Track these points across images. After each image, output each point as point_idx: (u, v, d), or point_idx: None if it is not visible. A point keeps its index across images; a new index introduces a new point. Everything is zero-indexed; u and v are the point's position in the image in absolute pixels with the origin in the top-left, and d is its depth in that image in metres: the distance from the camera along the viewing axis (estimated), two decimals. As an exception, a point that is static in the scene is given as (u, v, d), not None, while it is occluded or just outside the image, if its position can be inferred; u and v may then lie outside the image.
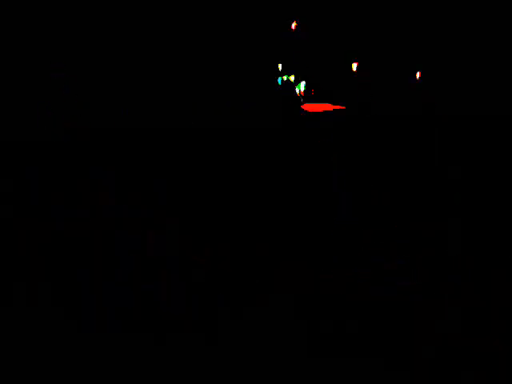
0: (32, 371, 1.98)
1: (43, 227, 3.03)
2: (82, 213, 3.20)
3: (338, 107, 4.17)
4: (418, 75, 3.90)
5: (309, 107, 4.16)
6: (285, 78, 3.99)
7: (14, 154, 3.49)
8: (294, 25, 3.78)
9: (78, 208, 3.26)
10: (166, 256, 2.87)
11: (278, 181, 3.69)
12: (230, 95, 3.96)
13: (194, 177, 3.66)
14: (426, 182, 4.08)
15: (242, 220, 3.32)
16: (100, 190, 3.39)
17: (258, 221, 3.34)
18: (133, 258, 2.87)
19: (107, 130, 3.71)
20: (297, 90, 4.09)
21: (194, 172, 3.69)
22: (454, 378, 1.99)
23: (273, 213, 3.44)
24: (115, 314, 2.40)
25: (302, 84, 4.10)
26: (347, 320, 2.36)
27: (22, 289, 2.59)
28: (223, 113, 3.93)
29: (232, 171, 3.69)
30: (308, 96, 4.14)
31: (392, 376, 1.99)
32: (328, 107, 4.17)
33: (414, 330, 2.30)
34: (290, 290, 2.58)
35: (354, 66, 4.10)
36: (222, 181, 3.63)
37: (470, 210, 3.75)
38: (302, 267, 2.83)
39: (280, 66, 3.93)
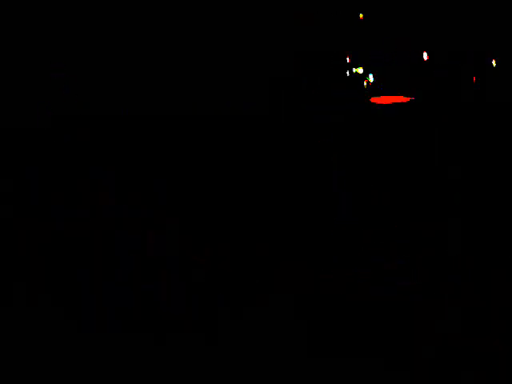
0: (32, 371, 1.98)
1: (43, 227, 3.03)
2: (81, 213, 3.20)
3: (409, 99, 4.06)
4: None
5: (378, 100, 4.05)
6: (355, 70, 3.92)
7: (14, 153, 3.48)
8: (361, 16, 3.71)
9: (78, 208, 3.26)
10: (166, 256, 2.87)
11: (279, 180, 3.69)
12: (232, 92, 3.95)
13: (195, 177, 3.66)
14: (426, 181, 4.07)
15: (242, 220, 3.32)
16: (100, 189, 3.39)
17: (258, 221, 3.34)
18: (133, 258, 2.87)
19: (106, 128, 3.71)
20: (365, 83, 4.01)
21: (195, 172, 3.69)
22: (454, 378, 1.99)
23: (273, 213, 3.44)
24: (115, 314, 2.40)
25: (371, 76, 4.02)
26: (347, 320, 2.36)
27: (22, 289, 2.59)
28: (223, 111, 3.93)
29: (232, 171, 3.69)
30: (377, 89, 4.04)
31: (392, 376, 1.99)
32: (398, 99, 4.06)
33: (414, 329, 2.30)
34: (290, 290, 2.58)
35: (424, 56, 3.99)
36: (222, 181, 3.63)
37: (470, 210, 3.75)
38: (301, 267, 2.83)
39: (348, 58, 3.88)
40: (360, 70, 3.94)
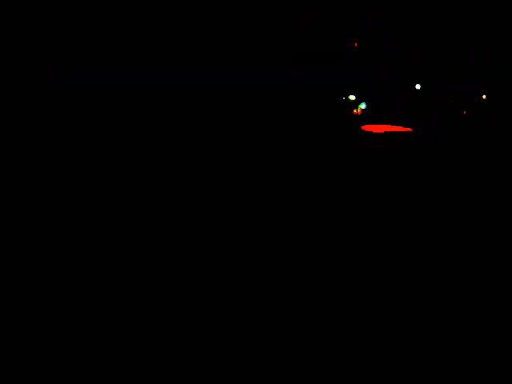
0: (31, 371, 1.98)
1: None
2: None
3: (400, 129, 4.08)
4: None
5: (370, 128, 4.07)
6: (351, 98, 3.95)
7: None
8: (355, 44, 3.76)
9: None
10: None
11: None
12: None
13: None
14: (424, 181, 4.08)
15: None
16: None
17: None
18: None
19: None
20: (356, 110, 4.04)
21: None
22: (454, 377, 2.00)
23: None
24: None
25: (363, 104, 4.05)
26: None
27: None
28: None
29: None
30: (367, 116, 4.07)
31: (391, 376, 2.00)
32: (389, 128, 4.08)
33: (413, 328, 2.31)
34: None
35: (418, 86, 4.04)
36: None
37: (469, 209, 3.76)
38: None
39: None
40: (352, 97, 3.98)
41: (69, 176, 3.62)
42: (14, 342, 2.15)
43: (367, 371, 2.03)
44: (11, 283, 2.66)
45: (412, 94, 4.10)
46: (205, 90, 3.88)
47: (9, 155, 3.53)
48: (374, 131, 4.09)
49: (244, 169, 3.73)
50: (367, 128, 4.09)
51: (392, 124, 4.16)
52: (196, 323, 2.35)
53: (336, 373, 2.02)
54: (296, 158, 3.81)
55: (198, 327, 2.32)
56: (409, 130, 4.15)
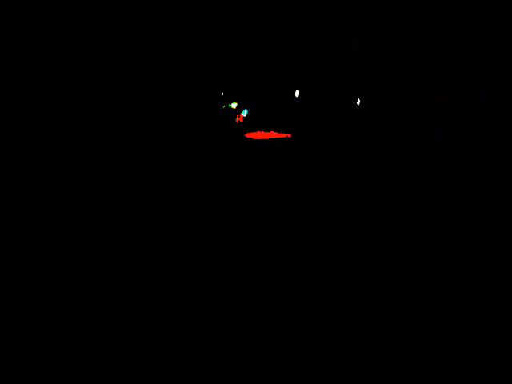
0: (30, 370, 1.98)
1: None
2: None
3: (283, 135, 4.18)
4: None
5: (253, 135, 4.14)
6: (233, 105, 3.98)
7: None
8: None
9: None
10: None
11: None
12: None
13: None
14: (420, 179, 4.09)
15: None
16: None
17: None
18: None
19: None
20: (237, 118, 4.07)
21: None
22: (454, 377, 2.00)
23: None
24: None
25: (245, 111, 4.08)
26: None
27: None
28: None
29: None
30: (249, 123, 4.13)
31: (391, 376, 2.01)
32: (273, 135, 4.16)
33: (414, 328, 2.32)
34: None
35: (297, 93, 4.09)
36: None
37: (469, 208, 3.77)
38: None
39: (223, 93, 3.92)
40: (233, 105, 3.98)
41: (69, 175, 3.62)
42: (13, 342, 2.15)
43: (367, 371, 2.03)
44: (11, 283, 2.66)
45: (294, 102, 4.18)
46: (204, 89, 3.88)
47: (9, 155, 3.53)
48: (256, 138, 4.20)
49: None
50: (249, 135, 4.19)
51: (274, 131, 4.25)
52: (196, 324, 2.35)
53: (335, 373, 2.02)
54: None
55: (197, 328, 2.32)
56: (288, 136, 4.26)
